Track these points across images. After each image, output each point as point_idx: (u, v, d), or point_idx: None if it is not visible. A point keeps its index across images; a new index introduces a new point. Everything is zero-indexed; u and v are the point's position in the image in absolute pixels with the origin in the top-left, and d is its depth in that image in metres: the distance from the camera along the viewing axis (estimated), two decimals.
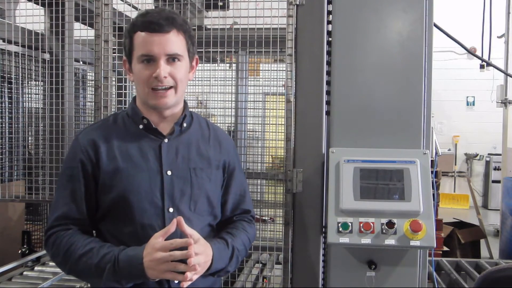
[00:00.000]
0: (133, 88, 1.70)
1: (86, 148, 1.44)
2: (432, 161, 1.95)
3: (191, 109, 1.61)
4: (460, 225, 5.67)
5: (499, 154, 7.59)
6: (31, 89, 3.80)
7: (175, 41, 1.41)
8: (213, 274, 1.44)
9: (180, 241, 1.29)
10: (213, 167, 1.53)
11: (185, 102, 1.55)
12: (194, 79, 3.41)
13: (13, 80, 3.59)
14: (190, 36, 1.47)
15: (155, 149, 1.46)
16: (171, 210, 1.43)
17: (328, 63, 2.02)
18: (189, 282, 1.29)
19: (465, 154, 10.02)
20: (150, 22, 1.39)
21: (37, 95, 3.70)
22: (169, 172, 1.45)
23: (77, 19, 2.93)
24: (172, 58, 1.41)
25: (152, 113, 1.48)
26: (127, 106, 1.79)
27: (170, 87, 1.42)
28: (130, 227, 1.40)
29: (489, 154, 9.69)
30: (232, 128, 3.17)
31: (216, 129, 1.63)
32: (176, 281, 1.41)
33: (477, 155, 9.88)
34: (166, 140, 1.48)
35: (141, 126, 1.48)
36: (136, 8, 3.08)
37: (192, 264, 1.27)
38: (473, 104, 9.87)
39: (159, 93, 1.40)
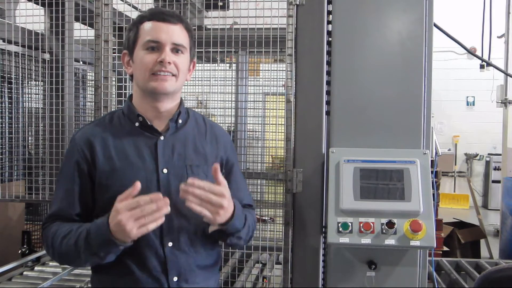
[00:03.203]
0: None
1: (82, 148, 1.45)
2: (432, 161, 1.95)
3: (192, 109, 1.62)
4: (460, 225, 5.68)
5: (499, 154, 7.59)
6: (31, 89, 3.80)
7: (181, 33, 1.46)
8: (228, 235, 1.43)
9: (145, 197, 1.25)
10: (209, 163, 1.52)
11: (180, 99, 1.56)
12: (194, 79, 3.43)
13: (13, 80, 3.60)
14: (192, 37, 1.52)
15: (151, 147, 1.47)
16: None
17: (328, 63, 2.02)
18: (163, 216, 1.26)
19: (465, 154, 10.02)
20: (160, 12, 1.46)
21: (37, 95, 3.70)
22: (165, 170, 1.45)
23: (77, 19, 2.93)
24: (176, 49, 1.44)
25: (148, 108, 1.48)
26: None
27: (172, 75, 1.44)
28: None
29: (489, 154, 9.70)
30: (232, 128, 3.17)
31: (213, 125, 1.63)
32: (175, 279, 1.43)
33: (477, 155, 9.88)
34: (162, 138, 1.48)
35: (136, 124, 1.48)
36: (136, 8, 3.09)
37: (220, 203, 1.32)
38: (473, 104, 9.88)
39: (159, 76, 1.42)
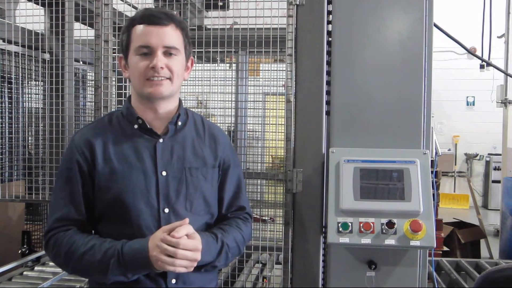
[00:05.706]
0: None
1: (82, 149, 1.44)
2: (432, 161, 1.95)
3: (191, 109, 1.61)
4: (460, 225, 5.67)
5: (499, 154, 7.59)
6: (31, 89, 3.80)
7: (173, 35, 1.43)
8: (200, 268, 1.41)
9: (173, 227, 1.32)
10: (208, 166, 1.52)
11: (179, 100, 1.55)
12: (194, 79, 3.44)
13: (13, 80, 3.60)
14: (187, 35, 1.49)
15: (150, 149, 1.46)
16: (166, 210, 1.43)
17: (328, 63, 2.02)
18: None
19: (465, 154, 10.02)
20: (150, 15, 1.42)
21: (37, 95, 3.71)
22: (164, 173, 1.45)
23: (77, 19, 2.93)
24: (169, 52, 1.42)
25: (147, 111, 1.47)
26: None
27: (166, 78, 1.43)
28: (127, 228, 1.40)
29: (489, 154, 9.69)
30: (232, 128, 3.17)
31: (211, 126, 1.62)
32: (173, 281, 1.42)
33: (477, 155, 9.88)
34: (161, 140, 1.47)
35: (136, 126, 1.48)
36: (136, 8, 3.09)
37: (179, 256, 1.29)
38: (473, 104, 9.88)
39: (154, 82, 1.41)
